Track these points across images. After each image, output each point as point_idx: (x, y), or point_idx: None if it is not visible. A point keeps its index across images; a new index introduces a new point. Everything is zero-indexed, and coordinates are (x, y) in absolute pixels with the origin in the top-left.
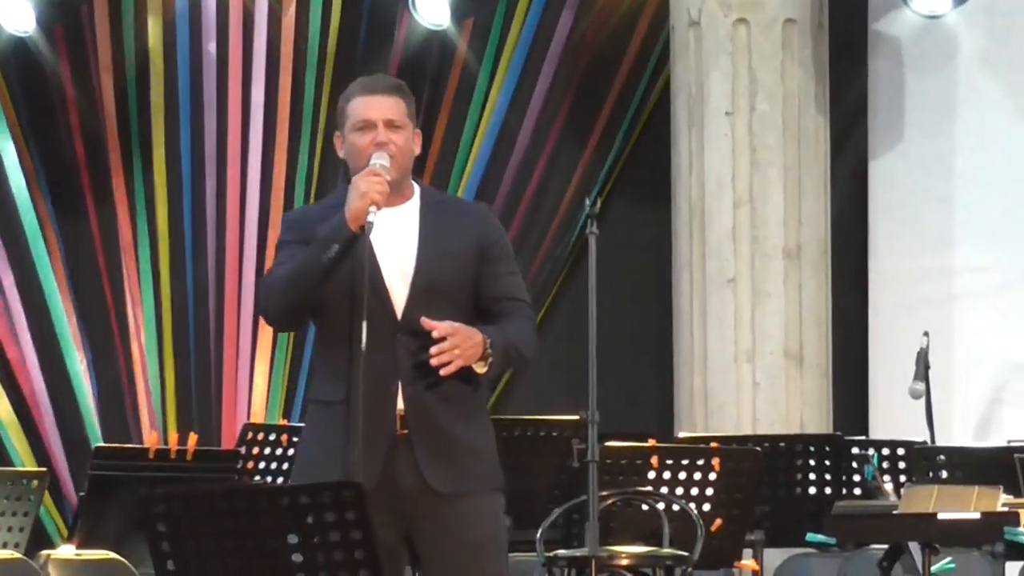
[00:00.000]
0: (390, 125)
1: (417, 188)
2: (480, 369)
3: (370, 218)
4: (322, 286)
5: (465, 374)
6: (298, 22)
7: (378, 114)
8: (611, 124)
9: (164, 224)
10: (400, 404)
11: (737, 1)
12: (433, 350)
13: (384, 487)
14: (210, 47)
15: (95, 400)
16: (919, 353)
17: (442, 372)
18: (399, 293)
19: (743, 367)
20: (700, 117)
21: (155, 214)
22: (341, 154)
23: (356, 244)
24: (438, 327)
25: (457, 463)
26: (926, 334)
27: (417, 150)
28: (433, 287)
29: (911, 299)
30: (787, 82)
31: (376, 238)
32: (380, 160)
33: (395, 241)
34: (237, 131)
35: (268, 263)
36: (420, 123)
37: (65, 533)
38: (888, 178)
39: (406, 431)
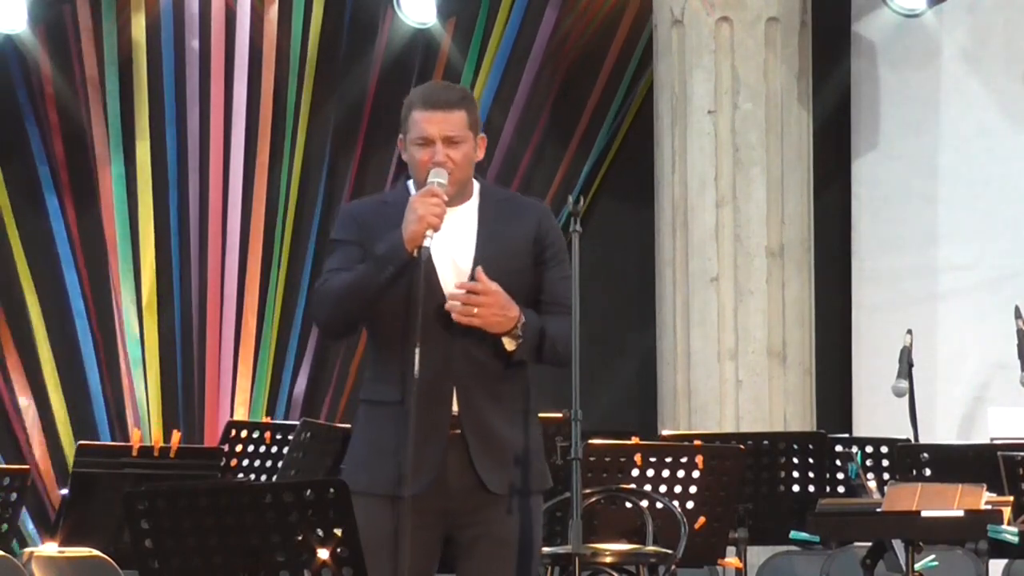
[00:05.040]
0: (448, 142)
1: (477, 186)
2: (509, 346)
3: (426, 242)
4: (376, 303)
5: (504, 359)
6: (281, 19)
7: (437, 131)
8: (594, 122)
9: (146, 222)
10: (455, 407)
11: (720, 0)
12: (457, 294)
13: (434, 487)
14: (193, 44)
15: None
16: (902, 351)
17: (453, 316)
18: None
19: (726, 365)
20: (683, 116)
21: (137, 212)
22: (404, 157)
23: (412, 265)
24: (480, 282)
25: (508, 464)
26: (909, 332)
27: (480, 155)
28: None
29: (894, 297)
30: (770, 81)
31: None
32: (438, 178)
33: (453, 240)
34: (220, 129)
35: (250, 261)
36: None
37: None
38: (871, 176)
39: (459, 431)
